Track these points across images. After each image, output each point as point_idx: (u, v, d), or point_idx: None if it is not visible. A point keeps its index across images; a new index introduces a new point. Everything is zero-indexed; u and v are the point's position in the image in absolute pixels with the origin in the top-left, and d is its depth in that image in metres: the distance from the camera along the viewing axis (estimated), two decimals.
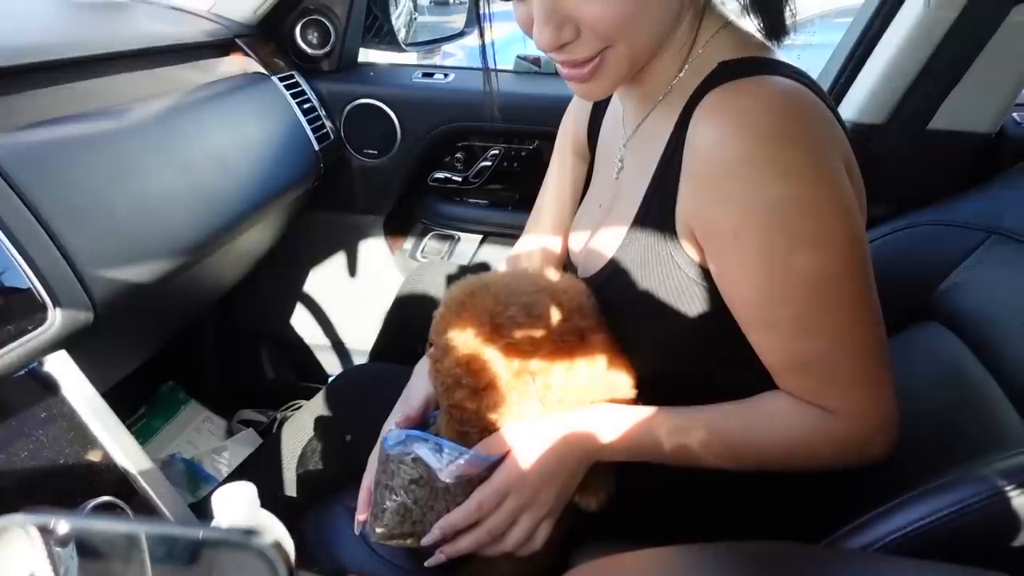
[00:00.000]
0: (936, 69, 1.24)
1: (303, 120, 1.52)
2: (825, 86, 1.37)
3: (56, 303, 0.82)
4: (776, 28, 0.77)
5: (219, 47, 1.49)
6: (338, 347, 1.88)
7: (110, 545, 0.40)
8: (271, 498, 1.04)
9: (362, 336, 1.78)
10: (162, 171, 1.08)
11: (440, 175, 1.71)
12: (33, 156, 0.89)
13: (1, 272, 0.79)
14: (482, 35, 0.84)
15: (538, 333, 0.77)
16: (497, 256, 1.74)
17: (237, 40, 1.51)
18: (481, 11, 0.82)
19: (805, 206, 0.67)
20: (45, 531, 0.40)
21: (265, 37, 1.61)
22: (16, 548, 0.40)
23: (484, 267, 1.70)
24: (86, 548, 0.40)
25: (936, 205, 1.19)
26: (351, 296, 1.84)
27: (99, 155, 0.99)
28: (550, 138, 1.13)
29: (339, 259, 1.83)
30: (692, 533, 0.71)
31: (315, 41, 1.65)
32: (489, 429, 0.79)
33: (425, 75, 1.70)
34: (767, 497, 0.85)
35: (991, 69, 1.23)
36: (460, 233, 1.77)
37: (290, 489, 1.09)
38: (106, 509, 0.78)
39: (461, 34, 1.88)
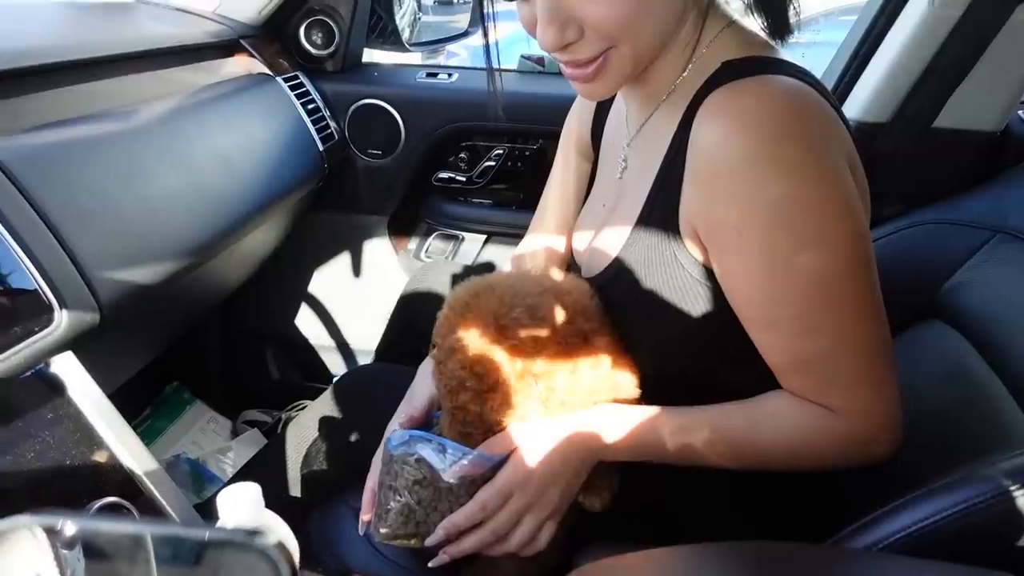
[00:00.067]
0: (941, 67, 1.24)
1: (307, 120, 1.53)
2: (829, 85, 1.37)
3: (62, 304, 0.82)
4: (780, 27, 0.77)
5: (223, 48, 1.49)
6: (342, 347, 1.89)
7: (115, 546, 0.40)
8: (276, 498, 1.03)
9: (366, 336, 1.78)
10: (167, 172, 1.09)
11: (444, 175, 1.72)
12: (39, 158, 0.90)
13: (8, 274, 0.79)
14: (486, 35, 0.85)
15: (542, 335, 0.77)
16: (501, 256, 1.74)
17: (242, 41, 1.52)
18: (485, 11, 0.82)
19: (808, 205, 0.67)
20: (51, 533, 0.40)
21: (269, 38, 1.61)
22: (23, 550, 0.40)
23: (488, 267, 1.70)
24: (92, 549, 0.40)
25: (941, 204, 1.18)
26: (355, 296, 1.84)
27: (104, 157, 1.00)
28: (554, 138, 1.13)
29: (343, 259, 1.83)
30: (696, 533, 0.71)
31: (319, 41, 1.65)
32: (492, 431, 0.80)
33: (429, 75, 1.70)
34: (771, 497, 0.85)
35: (996, 67, 1.23)
36: (464, 233, 1.77)
37: (295, 489, 1.09)
38: (112, 510, 0.78)
39: (465, 34, 1.88)
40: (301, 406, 1.76)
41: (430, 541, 0.80)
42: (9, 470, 0.75)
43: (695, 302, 0.76)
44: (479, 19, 0.83)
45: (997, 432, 0.88)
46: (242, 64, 1.50)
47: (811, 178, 0.67)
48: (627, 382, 0.81)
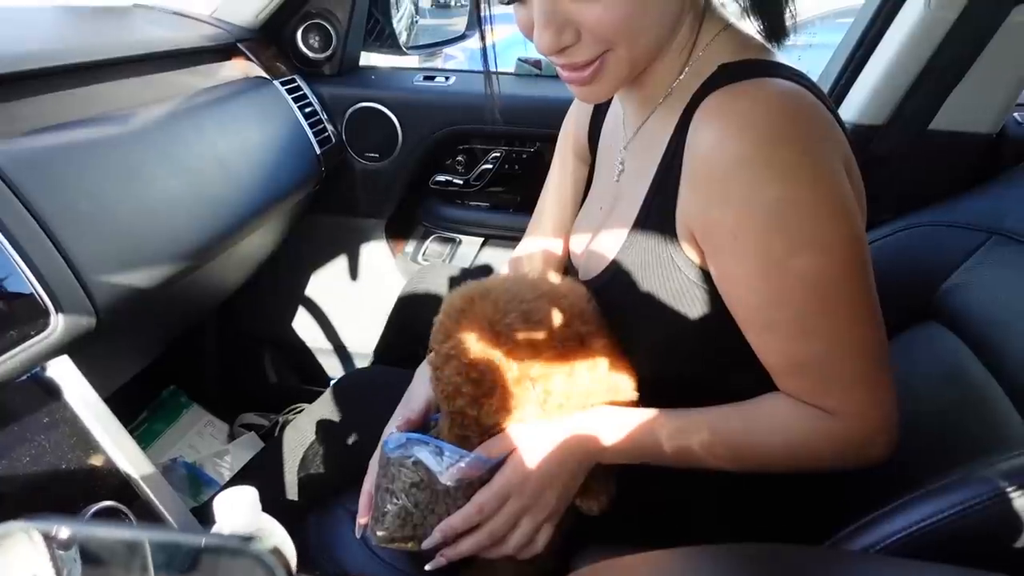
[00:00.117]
0: (937, 69, 1.24)
1: (305, 124, 1.53)
2: (826, 87, 1.37)
3: (58, 308, 0.82)
4: (776, 30, 0.77)
5: (221, 52, 1.49)
6: (340, 350, 1.89)
7: (110, 552, 0.40)
8: (273, 502, 1.04)
9: (364, 339, 1.78)
10: (164, 176, 1.09)
11: (441, 178, 1.72)
12: (36, 162, 0.90)
13: (3, 277, 0.79)
14: (483, 38, 0.85)
15: (538, 339, 0.77)
16: (499, 258, 1.74)
17: (239, 44, 1.52)
18: (482, 14, 0.82)
19: (804, 208, 0.67)
20: (47, 536, 0.40)
21: (267, 41, 1.61)
22: (19, 552, 0.40)
23: (486, 270, 1.70)
24: (88, 554, 0.40)
25: (937, 206, 1.18)
26: (353, 299, 1.84)
27: (101, 160, 1.00)
28: (551, 141, 1.13)
29: (341, 262, 1.83)
30: (693, 535, 0.71)
31: (316, 45, 1.65)
32: (490, 433, 0.79)
33: (426, 78, 1.70)
34: (768, 499, 0.85)
35: (992, 69, 1.23)
36: (462, 236, 1.77)
37: (292, 493, 1.09)
38: (108, 514, 0.78)
39: (462, 37, 1.88)
40: (298, 409, 1.75)
41: (427, 544, 0.80)
42: (5, 474, 0.75)
43: (692, 304, 0.76)
44: (476, 22, 0.83)
45: (994, 433, 0.88)
46: (239, 68, 1.50)
47: (807, 181, 0.67)
48: (624, 384, 0.81)
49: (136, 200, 1.02)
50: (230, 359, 1.88)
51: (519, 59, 1.75)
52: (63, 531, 0.39)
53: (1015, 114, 1.37)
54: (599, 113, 1.00)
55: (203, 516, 0.92)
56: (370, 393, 1.13)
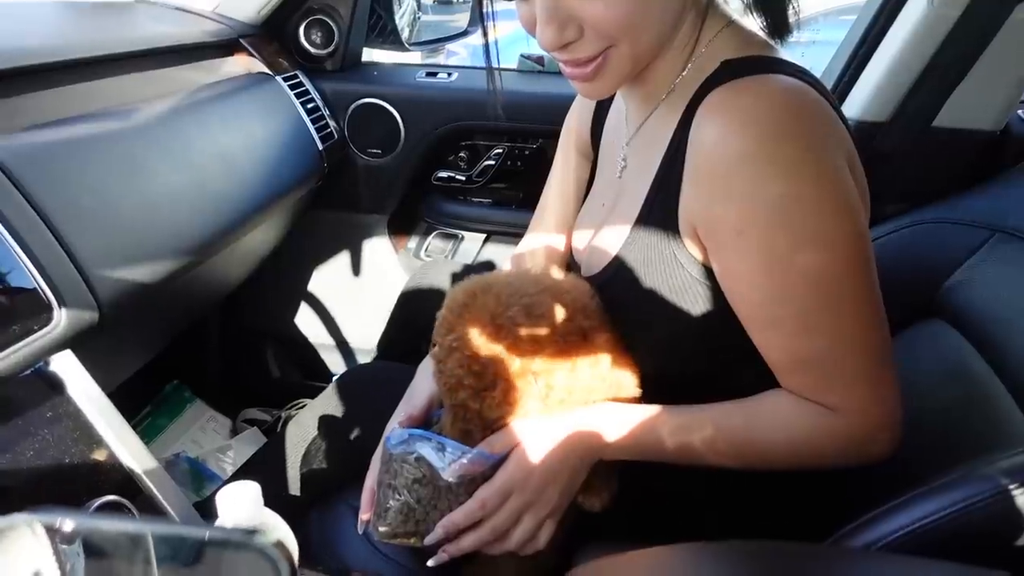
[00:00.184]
0: (940, 66, 1.24)
1: (307, 120, 1.53)
2: (829, 84, 1.37)
3: (61, 303, 0.82)
4: (779, 26, 0.77)
5: (223, 47, 1.49)
6: (342, 346, 1.89)
7: (114, 545, 0.40)
8: (275, 497, 1.03)
9: (366, 335, 1.78)
10: (167, 171, 1.09)
11: (444, 174, 1.72)
12: (38, 157, 0.90)
13: (7, 272, 0.79)
14: (485, 34, 0.85)
15: (540, 333, 0.77)
16: (501, 255, 1.74)
17: (241, 40, 1.52)
18: (484, 10, 0.82)
19: (807, 204, 0.67)
20: (51, 530, 0.40)
21: (269, 37, 1.61)
22: (22, 546, 0.40)
23: (488, 266, 1.70)
24: (91, 547, 0.40)
25: (940, 203, 1.18)
26: (355, 295, 1.84)
27: (104, 155, 1.00)
28: (554, 137, 1.13)
29: (343, 258, 1.83)
30: (695, 532, 0.71)
31: (319, 41, 1.65)
32: (492, 428, 0.80)
33: (429, 74, 1.70)
34: (770, 496, 0.85)
35: (995, 66, 1.23)
36: (464, 232, 1.77)
37: (294, 488, 1.09)
38: (111, 508, 0.78)
39: (464, 33, 1.88)
40: (301, 405, 1.76)
41: (429, 540, 0.80)
42: (8, 468, 0.75)
43: (694, 301, 0.76)
44: (478, 18, 0.83)
45: (996, 431, 0.88)
46: (241, 63, 1.50)
47: (810, 177, 0.67)
48: (627, 381, 0.81)
49: (139, 195, 1.02)
50: (233, 354, 1.89)
51: (521, 55, 1.74)
52: (67, 524, 0.39)
53: (1019, 111, 1.37)
54: (602, 109, 0.99)
55: (205, 511, 0.93)
56: (372, 389, 1.13)
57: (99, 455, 0.83)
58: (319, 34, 1.64)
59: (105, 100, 1.10)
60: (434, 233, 1.80)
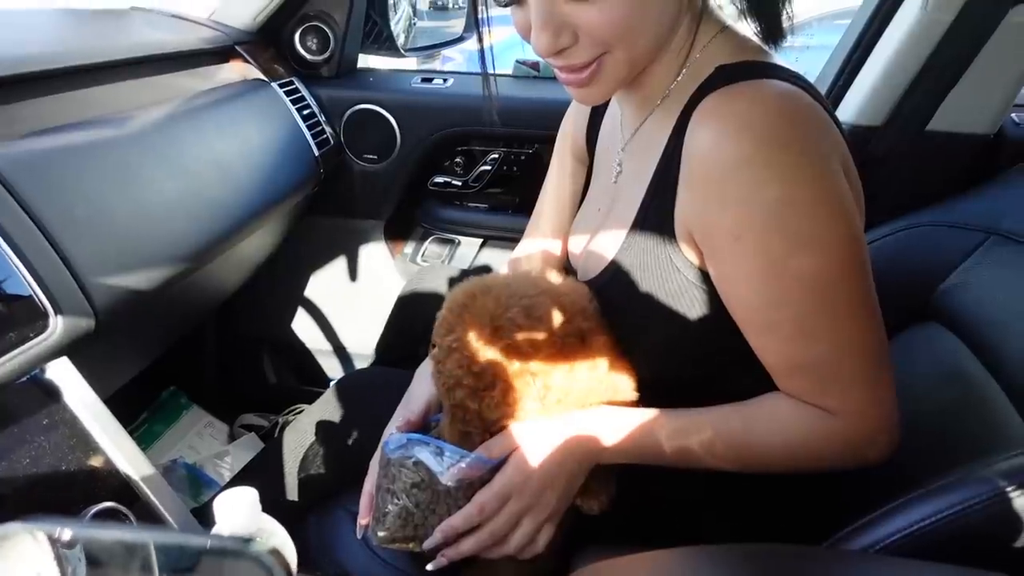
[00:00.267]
0: (934, 70, 1.25)
1: (303, 126, 1.53)
2: (823, 89, 1.37)
3: (57, 310, 0.82)
4: (773, 31, 0.77)
5: (219, 54, 1.49)
6: (339, 351, 1.89)
7: (111, 553, 0.40)
8: (273, 502, 1.04)
9: (363, 340, 1.78)
10: (163, 178, 1.09)
11: (440, 179, 1.72)
12: (34, 164, 0.90)
13: (2, 280, 0.79)
14: (481, 40, 0.85)
15: (539, 335, 0.78)
16: (497, 260, 1.75)
17: (237, 47, 1.52)
18: (479, 16, 0.82)
19: (802, 208, 0.68)
20: (51, 537, 0.40)
21: (265, 44, 1.61)
22: (23, 552, 0.40)
23: (485, 271, 1.69)
24: (88, 556, 0.40)
25: (935, 206, 1.19)
26: (352, 300, 1.84)
27: (100, 163, 1.00)
28: (549, 142, 1.13)
29: (340, 264, 1.83)
30: (694, 535, 0.71)
31: (314, 47, 1.65)
32: (490, 430, 0.80)
33: (424, 80, 1.71)
34: (768, 499, 0.85)
35: (989, 70, 1.24)
36: (460, 237, 1.77)
37: (292, 493, 1.09)
38: (108, 515, 0.78)
39: (460, 39, 1.88)
40: (298, 410, 1.75)
41: (428, 544, 0.80)
42: (4, 476, 0.75)
43: (691, 305, 0.76)
44: (474, 24, 0.84)
45: (993, 433, 0.88)
46: (237, 70, 1.50)
47: (805, 181, 0.68)
48: (624, 384, 0.81)
49: (134, 202, 1.02)
50: (230, 360, 1.88)
51: (517, 61, 1.75)
52: (66, 533, 0.39)
53: (1013, 115, 1.38)
54: (597, 115, 1.00)
55: (203, 517, 0.92)
56: (370, 394, 1.13)
57: (96, 462, 0.83)
58: (315, 40, 1.64)
59: (101, 107, 1.10)
60: (430, 238, 1.80)
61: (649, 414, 0.79)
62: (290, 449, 1.11)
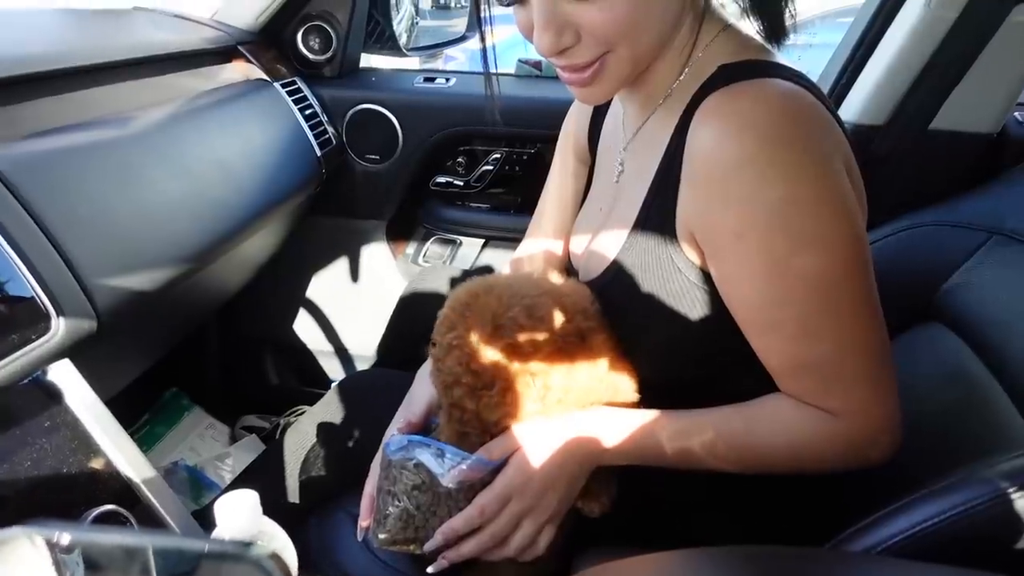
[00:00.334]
0: (937, 69, 1.24)
1: (305, 126, 1.53)
2: (826, 87, 1.37)
3: (59, 312, 0.82)
4: (776, 30, 0.77)
5: (221, 54, 1.49)
6: (341, 352, 1.89)
7: (108, 558, 0.40)
8: (274, 504, 1.04)
9: (365, 341, 1.78)
10: (165, 179, 1.09)
11: (442, 179, 1.72)
12: (36, 165, 0.90)
13: (4, 281, 0.79)
14: (483, 39, 0.85)
15: (540, 335, 0.77)
16: (499, 260, 1.74)
17: (239, 47, 1.52)
18: (482, 15, 0.82)
19: (805, 207, 0.67)
20: (49, 542, 0.40)
21: (267, 44, 1.61)
22: (21, 556, 0.40)
23: (487, 271, 1.70)
24: (88, 559, 0.40)
25: (938, 205, 1.18)
26: (354, 301, 1.84)
27: (102, 163, 1.00)
28: (551, 142, 1.13)
29: (342, 264, 1.83)
30: (695, 537, 0.71)
31: (317, 47, 1.65)
32: (489, 430, 0.80)
33: (426, 80, 1.71)
34: (769, 500, 0.85)
35: (992, 69, 1.23)
36: (462, 237, 1.77)
37: (293, 495, 1.09)
38: (109, 518, 0.78)
39: (462, 38, 1.89)
40: (300, 411, 1.76)
41: (429, 546, 0.80)
42: (6, 478, 0.75)
43: (692, 306, 0.76)
44: (476, 23, 0.83)
45: (995, 434, 0.88)
46: (240, 70, 1.50)
47: (808, 180, 0.67)
48: (625, 385, 0.81)
49: (137, 203, 1.02)
50: (231, 361, 1.88)
51: (519, 60, 1.75)
52: (64, 537, 0.39)
53: (1016, 114, 1.37)
54: (599, 114, 1.00)
55: (204, 519, 0.92)
56: (371, 395, 1.13)
57: (97, 464, 0.83)
58: (317, 40, 1.64)
59: (103, 108, 1.10)
60: (432, 239, 1.80)
61: (650, 415, 0.79)
62: (291, 451, 1.11)
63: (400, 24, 1.76)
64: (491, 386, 0.77)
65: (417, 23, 1.87)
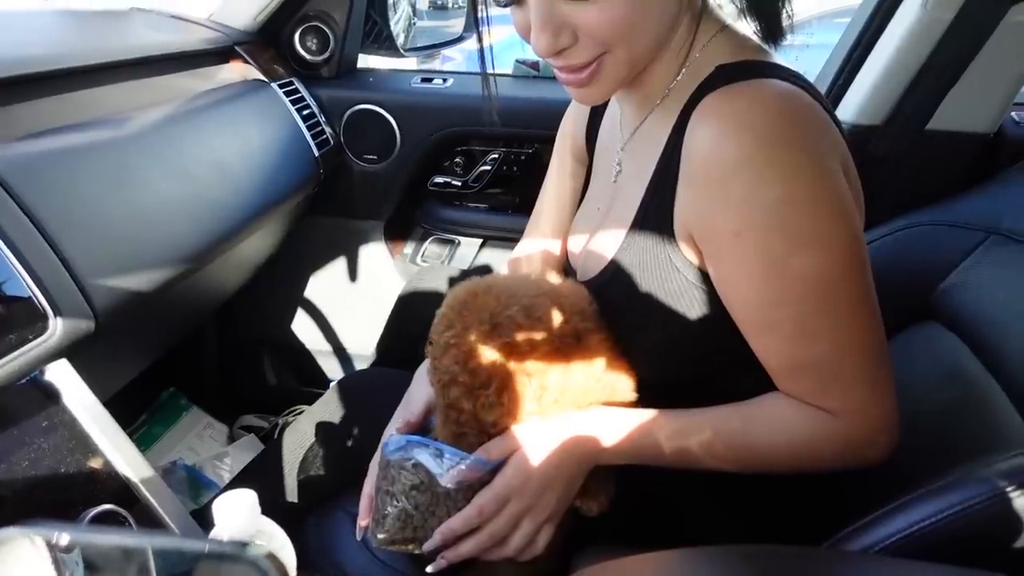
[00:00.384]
0: (934, 69, 1.25)
1: (303, 126, 1.53)
2: (823, 88, 1.37)
3: (57, 312, 0.82)
4: (773, 31, 0.77)
5: (219, 54, 1.49)
6: (339, 352, 1.89)
7: (106, 558, 0.40)
8: (272, 504, 1.03)
9: (363, 341, 1.78)
10: (162, 179, 1.09)
11: (440, 180, 1.72)
12: (33, 166, 0.90)
13: (2, 282, 0.79)
14: (480, 39, 0.85)
15: (537, 335, 0.77)
16: (497, 260, 1.74)
17: (237, 47, 1.52)
18: (479, 16, 0.82)
19: (803, 207, 0.68)
20: (48, 542, 0.40)
21: (264, 44, 1.61)
22: (20, 557, 0.40)
23: (485, 271, 1.70)
24: (87, 560, 0.40)
25: (935, 205, 1.19)
26: (352, 301, 1.84)
27: (99, 164, 1.00)
28: (549, 142, 1.13)
29: (340, 264, 1.83)
30: (693, 536, 0.71)
31: (314, 47, 1.65)
32: (485, 430, 0.79)
33: (424, 80, 1.71)
34: (769, 499, 0.85)
35: (989, 69, 1.24)
36: (460, 237, 1.77)
37: (291, 495, 1.09)
38: (107, 517, 0.78)
39: (460, 39, 1.88)
40: (298, 411, 1.75)
41: (427, 546, 0.80)
42: (4, 478, 0.75)
43: (690, 305, 0.76)
44: (473, 24, 0.83)
45: (993, 433, 0.88)
46: (237, 70, 1.50)
47: (805, 180, 0.68)
48: (623, 385, 0.81)
49: (134, 203, 1.02)
50: (229, 361, 1.88)
51: (517, 61, 1.75)
52: (63, 537, 0.39)
53: (1012, 114, 1.37)
54: (596, 114, 1.00)
55: (203, 519, 0.92)
56: (370, 395, 1.13)
57: (95, 464, 0.83)
58: (314, 41, 1.64)
59: (101, 108, 1.10)
60: (430, 239, 1.80)
61: (648, 415, 0.79)
62: (290, 450, 1.11)
63: (397, 24, 1.76)
64: (487, 385, 0.77)
65: (414, 23, 1.87)
